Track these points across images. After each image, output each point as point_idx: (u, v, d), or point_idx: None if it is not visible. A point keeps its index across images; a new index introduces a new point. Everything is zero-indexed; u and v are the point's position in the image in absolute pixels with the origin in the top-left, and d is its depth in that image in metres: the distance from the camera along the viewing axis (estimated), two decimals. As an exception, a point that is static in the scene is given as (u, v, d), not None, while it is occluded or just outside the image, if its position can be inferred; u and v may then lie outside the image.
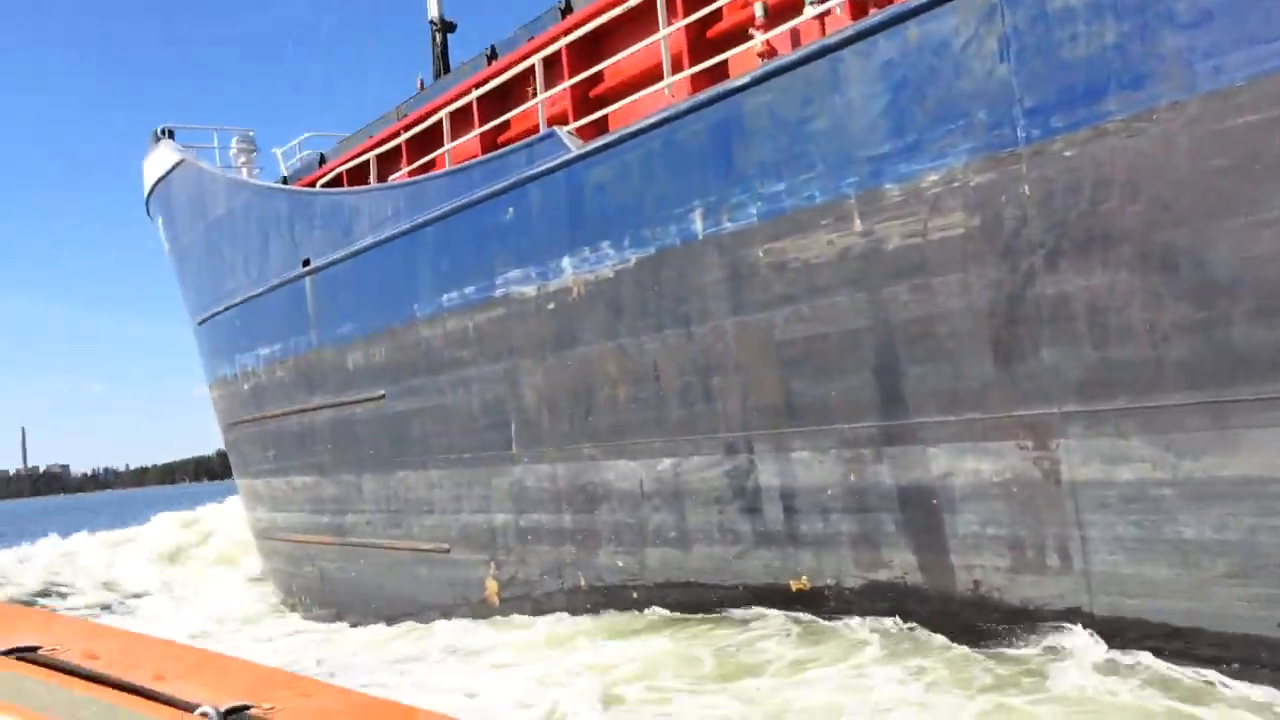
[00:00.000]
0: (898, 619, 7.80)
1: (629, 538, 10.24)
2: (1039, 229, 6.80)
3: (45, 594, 18.53)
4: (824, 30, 8.90)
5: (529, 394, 11.42)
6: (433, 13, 24.08)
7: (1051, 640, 6.83)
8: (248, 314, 17.66)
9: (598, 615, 10.51)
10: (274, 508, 17.62)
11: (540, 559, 11.42)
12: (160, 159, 20.69)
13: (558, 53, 11.68)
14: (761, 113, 8.56)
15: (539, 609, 11.47)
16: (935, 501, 7.56)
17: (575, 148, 10.54)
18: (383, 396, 14.00)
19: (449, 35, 24.52)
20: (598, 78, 11.58)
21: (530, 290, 11.22)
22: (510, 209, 11.42)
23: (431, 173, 13.30)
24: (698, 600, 9.55)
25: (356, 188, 14.89)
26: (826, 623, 8.16)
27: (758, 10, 9.17)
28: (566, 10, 12.15)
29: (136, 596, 18.87)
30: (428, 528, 13.30)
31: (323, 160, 17.66)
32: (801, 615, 8.41)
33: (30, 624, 2.72)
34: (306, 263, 15.57)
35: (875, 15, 7.93)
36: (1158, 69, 6.23)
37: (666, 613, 9.79)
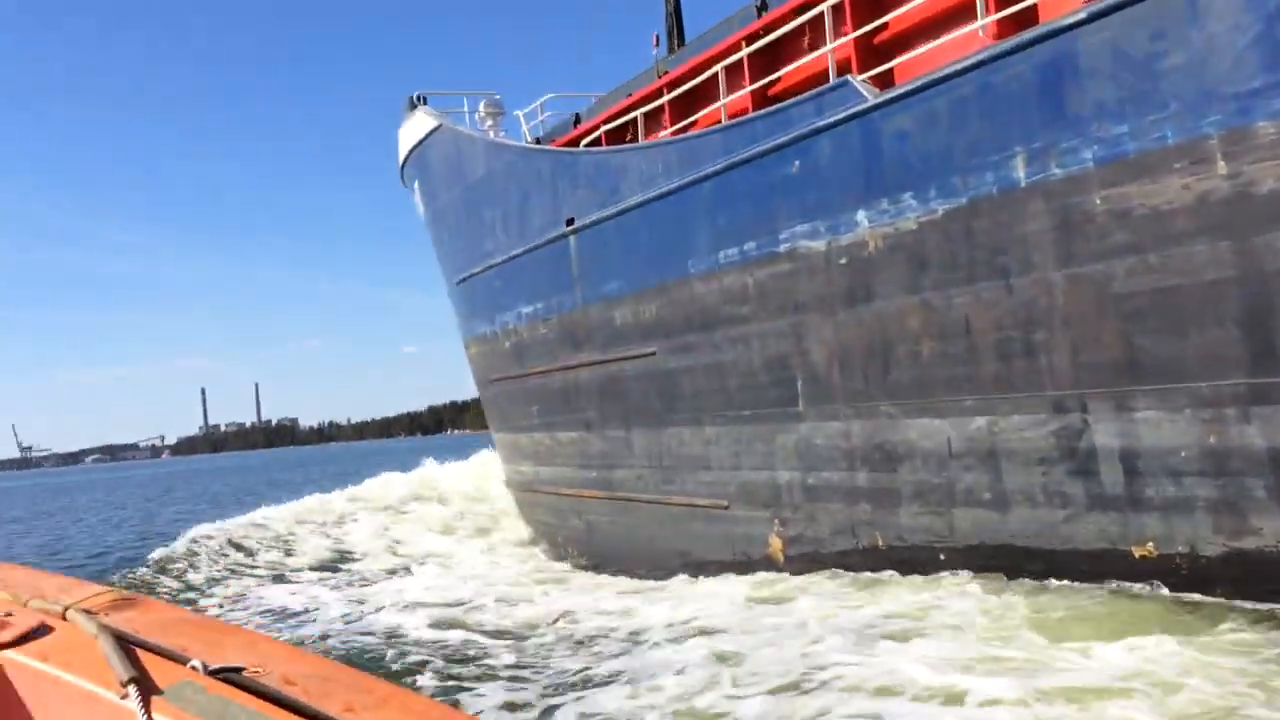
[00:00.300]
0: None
1: (935, 498, 9.92)
2: None
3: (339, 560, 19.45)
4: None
5: (817, 350, 11.19)
6: None
7: None
8: (508, 273, 18.07)
9: (905, 576, 10.26)
10: (538, 462, 18.07)
11: (831, 517, 11.23)
12: (416, 126, 21.36)
13: (841, 2, 11.27)
14: (1101, 50, 7.96)
15: (827, 567, 11.32)
16: (1315, 466, 6.94)
17: (872, 96, 10.15)
18: (654, 353, 14.05)
19: None
20: (880, 25, 11.12)
21: (819, 245, 10.95)
22: (796, 162, 11.15)
23: (705, 129, 13.13)
24: (1015, 564, 9.17)
25: (623, 146, 14.89)
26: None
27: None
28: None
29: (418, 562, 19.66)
30: (704, 484, 13.31)
31: (577, 120, 17.80)
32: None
33: (237, 643, 2.78)
34: (570, 222, 15.76)
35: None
36: None
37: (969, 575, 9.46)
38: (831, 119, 10.59)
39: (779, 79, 12.68)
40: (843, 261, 10.68)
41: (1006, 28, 9.35)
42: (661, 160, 13.51)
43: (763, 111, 11.77)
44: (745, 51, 12.86)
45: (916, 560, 10.18)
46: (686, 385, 13.44)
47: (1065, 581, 8.66)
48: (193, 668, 2.57)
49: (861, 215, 10.36)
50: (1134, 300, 7.91)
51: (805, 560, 11.70)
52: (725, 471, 12.89)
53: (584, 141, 16.42)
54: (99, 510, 46.13)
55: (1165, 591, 7.83)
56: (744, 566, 12.65)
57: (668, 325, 13.68)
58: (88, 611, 2.93)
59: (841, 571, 11.12)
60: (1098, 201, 8.10)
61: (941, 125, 9.42)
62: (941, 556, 9.93)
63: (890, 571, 10.52)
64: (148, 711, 2.42)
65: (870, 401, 10.55)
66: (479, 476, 29.28)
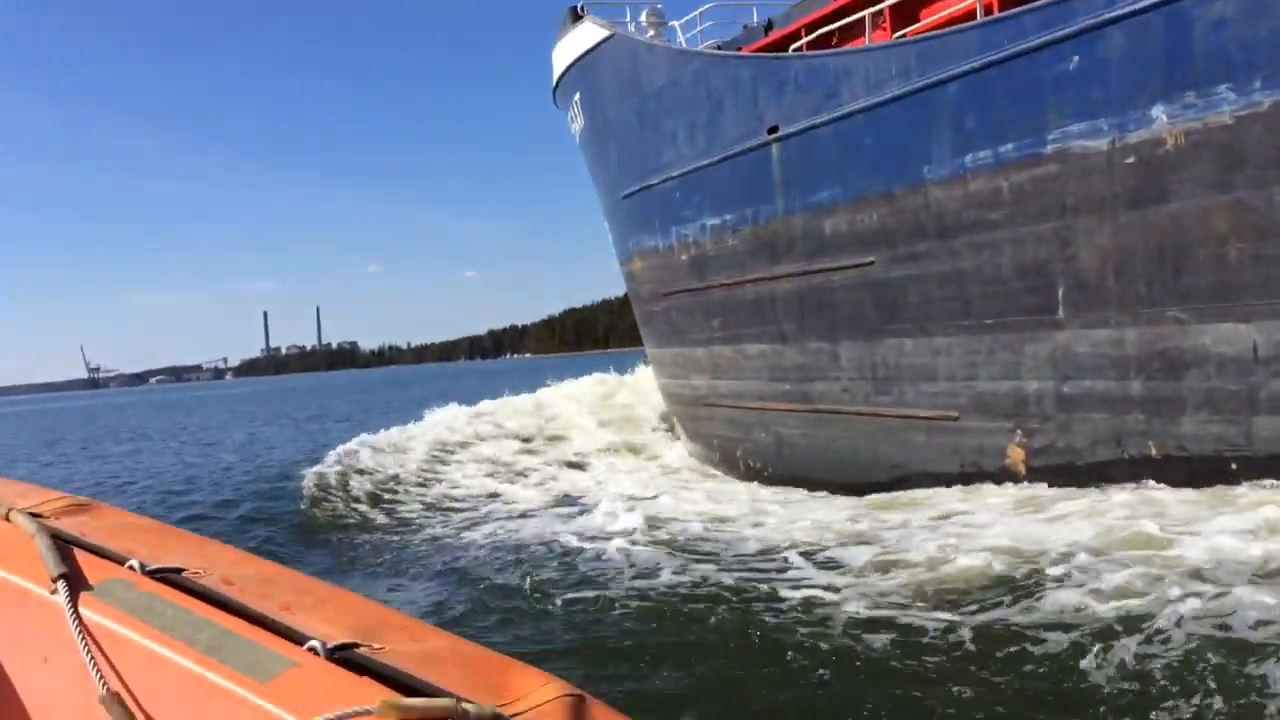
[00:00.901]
0: None
1: (1231, 405, 9.53)
2: None
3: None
4: None
5: (1087, 255, 10.77)
6: None
7: None
8: (691, 185, 17.75)
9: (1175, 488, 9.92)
10: (716, 375, 17.88)
11: (1093, 426, 10.89)
12: (581, 37, 20.99)
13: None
14: None
15: (1080, 478, 11.01)
16: None
17: (1190, -20, 9.62)
18: (871, 263, 13.70)
19: None
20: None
21: (1100, 144, 10.48)
22: (1075, 57, 10.64)
23: (953, 27, 12.62)
24: (1333, 473, 8.79)
25: (845, 48, 14.41)
26: None
27: None
28: None
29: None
30: (928, 395, 13.01)
31: (769, 28, 17.34)
32: None
33: (184, 547, 2.78)
34: (774, 130, 15.36)
35: None
36: None
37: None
38: (1129, 8, 10.07)
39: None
40: (1130, 161, 10.22)
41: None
42: (896, 62, 13.04)
43: (1034, 4, 11.25)
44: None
45: (1202, 470, 9.82)
46: (913, 295, 13.08)
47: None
48: (130, 567, 2.57)
49: (1160, 110, 9.88)
50: None
51: (1050, 471, 11.39)
52: (957, 383, 12.57)
53: (792, 48, 15.91)
54: (230, 430, 46.06)
55: None
56: (972, 478, 12.38)
57: (891, 234, 13.30)
58: (33, 514, 2.94)
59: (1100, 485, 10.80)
60: None
61: (1274, 12, 8.89)
62: (1234, 466, 9.56)
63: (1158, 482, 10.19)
64: (75, 607, 2.43)
65: (1155, 307, 10.13)
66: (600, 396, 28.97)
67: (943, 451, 12.90)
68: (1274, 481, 9.19)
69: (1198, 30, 9.53)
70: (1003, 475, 12.02)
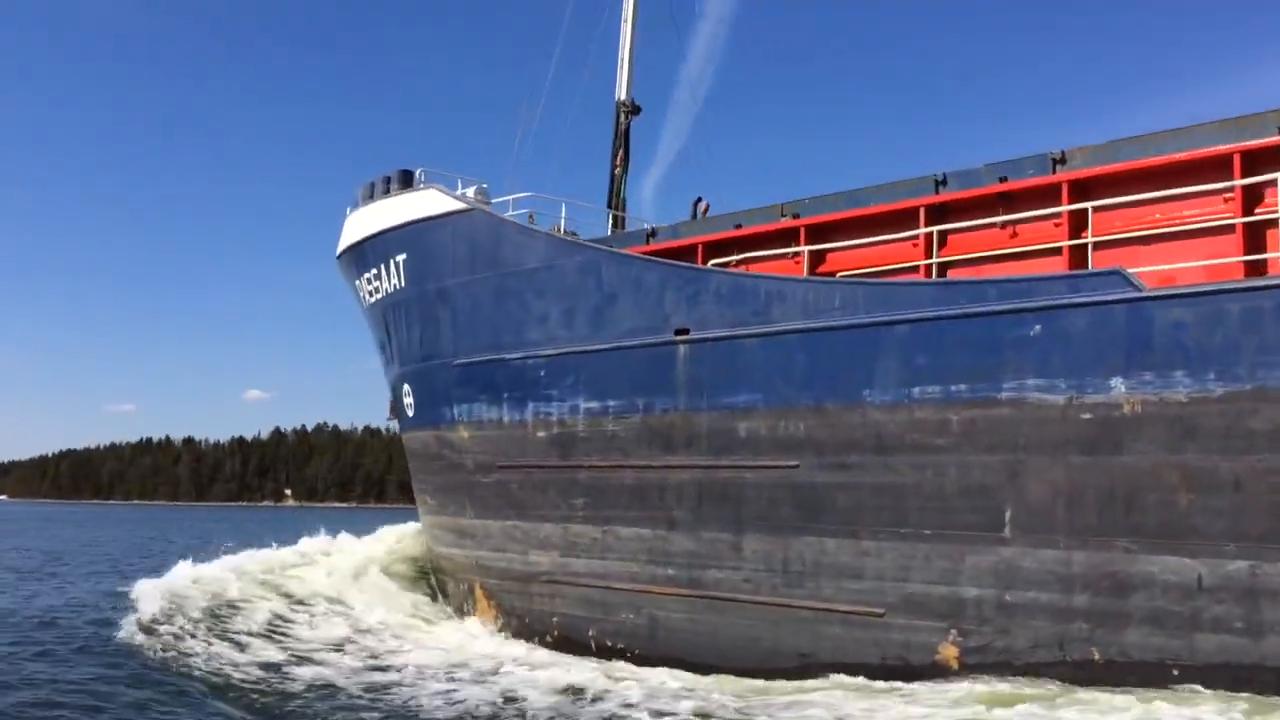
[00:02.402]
0: None
1: (1174, 623, 11.83)
2: None
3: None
4: None
5: (1037, 487, 12.92)
6: (621, 94, 25.67)
7: None
8: (565, 366, 18.40)
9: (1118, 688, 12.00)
10: (571, 553, 18.19)
11: (1034, 632, 12.82)
12: (419, 202, 21.34)
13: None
14: None
15: (1016, 674, 12.86)
16: None
17: (1143, 289, 12.30)
18: (796, 466, 15.15)
19: (632, 118, 26.16)
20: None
21: (1057, 399, 12.80)
22: (1038, 326, 13.02)
23: (909, 279, 14.76)
24: (1267, 683, 11.20)
25: (781, 275, 16.11)
26: None
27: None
28: (1059, 160, 14.07)
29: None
30: (851, 590, 14.44)
31: (652, 235, 18.80)
32: None
33: None
34: (683, 331, 16.63)
35: None
36: None
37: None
38: (1094, 299, 12.61)
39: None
40: (1086, 417, 12.58)
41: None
42: (840, 295, 14.92)
43: (1000, 278, 13.63)
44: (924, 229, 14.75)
45: (1142, 675, 11.97)
46: (842, 499, 14.62)
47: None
48: None
49: (1119, 382, 12.35)
50: None
51: (987, 669, 13.15)
52: (886, 582, 14.13)
53: (713, 263, 17.31)
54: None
55: None
56: (896, 671, 13.85)
57: (821, 443, 14.88)
58: None
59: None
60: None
61: (1232, 322, 11.67)
62: (1175, 672, 11.80)
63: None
64: None
65: (1104, 536, 12.37)
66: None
67: (863, 644, 14.30)
68: (1209, 694, 11.48)
69: (1157, 325, 12.19)
70: (932, 670, 13.60)
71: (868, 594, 14.35)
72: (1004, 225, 14.61)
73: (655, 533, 16.91)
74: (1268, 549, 11.33)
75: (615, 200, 25.12)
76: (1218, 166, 12.74)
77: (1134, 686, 11.94)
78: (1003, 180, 14.66)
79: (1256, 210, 12.46)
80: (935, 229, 14.93)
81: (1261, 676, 11.28)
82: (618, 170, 25.58)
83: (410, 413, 22.87)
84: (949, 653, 13.55)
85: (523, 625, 19.31)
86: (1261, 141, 12.40)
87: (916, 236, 15.13)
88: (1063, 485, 12.75)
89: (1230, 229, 12.53)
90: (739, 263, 17.17)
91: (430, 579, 24.07)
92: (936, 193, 15.21)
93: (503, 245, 19.83)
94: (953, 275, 14.90)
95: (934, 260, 14.85)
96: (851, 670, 14.27)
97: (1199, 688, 11.60)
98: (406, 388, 22.81)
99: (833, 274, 15.97)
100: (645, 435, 17.16)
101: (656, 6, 26.02)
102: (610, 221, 24.26)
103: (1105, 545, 12.40)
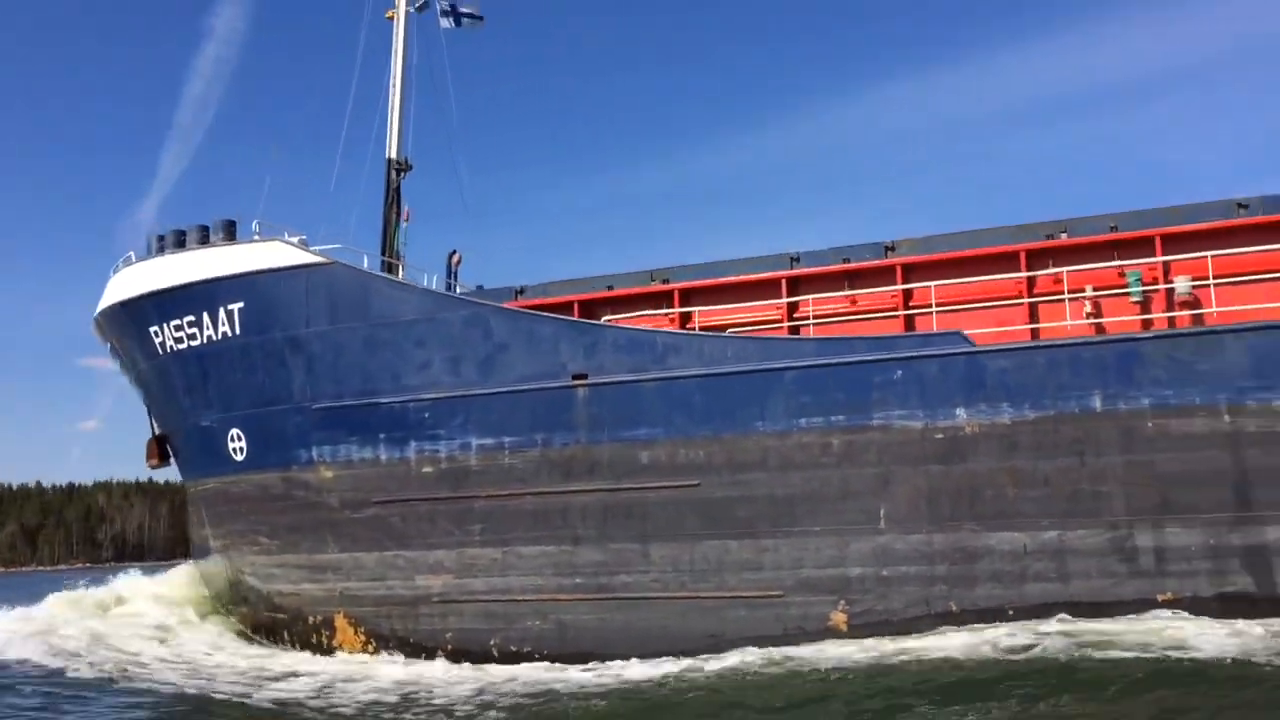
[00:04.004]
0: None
1: (1009, 578, 16.89)
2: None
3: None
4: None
5: (901, 488, 17.55)
6: (391, 152, 27.92)
7: None
8: (454, 408, 20.47)
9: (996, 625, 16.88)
10: (468, 574, 20.21)
11: (906, 595, 17.37)
12: (260, 253, 22.35)
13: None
14: (1155, 352, 16.44)
15: (893, 631, 17.34)
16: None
17: (975, 345, 17.39)
18: (697, 484, 18.71)
19: (404, 175, 28.52)
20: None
21: (917, 425, 17.53)
22: (899, 372, 17.70)
23: (795, 337, 18.89)
24: (1074, 613, 16.51)
25: (674, 331, 19.54)
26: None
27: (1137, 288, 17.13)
28: (890, 248, 18.99)
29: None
30: (751, 580, 18.22)
31: (521, 292, 21.49)
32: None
33: None
34: (581, 376, 19.58)
35: None
36: None
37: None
38: (942, 352, 17.49)
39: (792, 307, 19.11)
40: (939, 436, 17.40)
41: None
42: (733, 349, 18.75)
43: (869, 336, 18.15)
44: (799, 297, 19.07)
45: (990, 617, 16.91)
46: (739, 508, 18.37)
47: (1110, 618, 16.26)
48: None
49: (961, 410, 17.30)
50: (1168, 471, 16.19)
51: (870, 628, 17.51)
52: (784, 571, 18.07)
53: (605, 318, 20.28)
54: None
55: (1186, 614, 15.86)
56: (796, 638, 17.82)
57: (719, 465, 18.56)
58: None
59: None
60: (1150, 425, 16.35)
61: (1036, 369, 16.99)
62: (1011, 613, 16.85)
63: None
64: None
65: (956, 521, 17.21)
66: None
67: (766, 621, 18.11)
68: (1033, 621, 16.61)
69: (988, 371, 17.27)
70: (826, 634, 17.73)
71: (768, 581, 18.19)
72: (848, 295, 19.26)
73: (560, 549, 19.56)
74: (1069, 521, 16.68)
75: (389, 250, 26.98)
76: (1009, 259, 18.20)
77: (980, 624, 16.83)
78: (846, 261, 19.32)
79: (1035, 291, 18.06)
80: (800, 297, 19.25)
81: (1069, 610, 16.56)
82: (393, 223, 27.50)
83: (239, 456, 23.27)
84: (839, 619, 17.75)
85: (406, 645, 20.89)
86: (1040, 243, 18.03)
87: (780, 302, 19.35)
88: (923, 487, 17.45)
89: (1020, 303, 18.01)
90: (613, 318, 20.41)
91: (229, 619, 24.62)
92: (791, 268, 19.55)
93: (373, 298, 21.38)
94: (804, 334, 19.29)
95: (810, 321, 19.14)
96: (757, 642, 17.97)
97: (1028, 621, 16.70)
98: (235, 432, 23.20)
99: (707, 330, 19.75)
100: (545, 466, 19.77)
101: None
102: (385, 269, 26.10)
103: (956, 528, 17.23)
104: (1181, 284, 17.31)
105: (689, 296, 20.29)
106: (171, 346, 24.03)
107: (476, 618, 20.24)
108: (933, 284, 18.57)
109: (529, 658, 19.55)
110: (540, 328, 20.13)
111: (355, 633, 21.65)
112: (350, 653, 21.50)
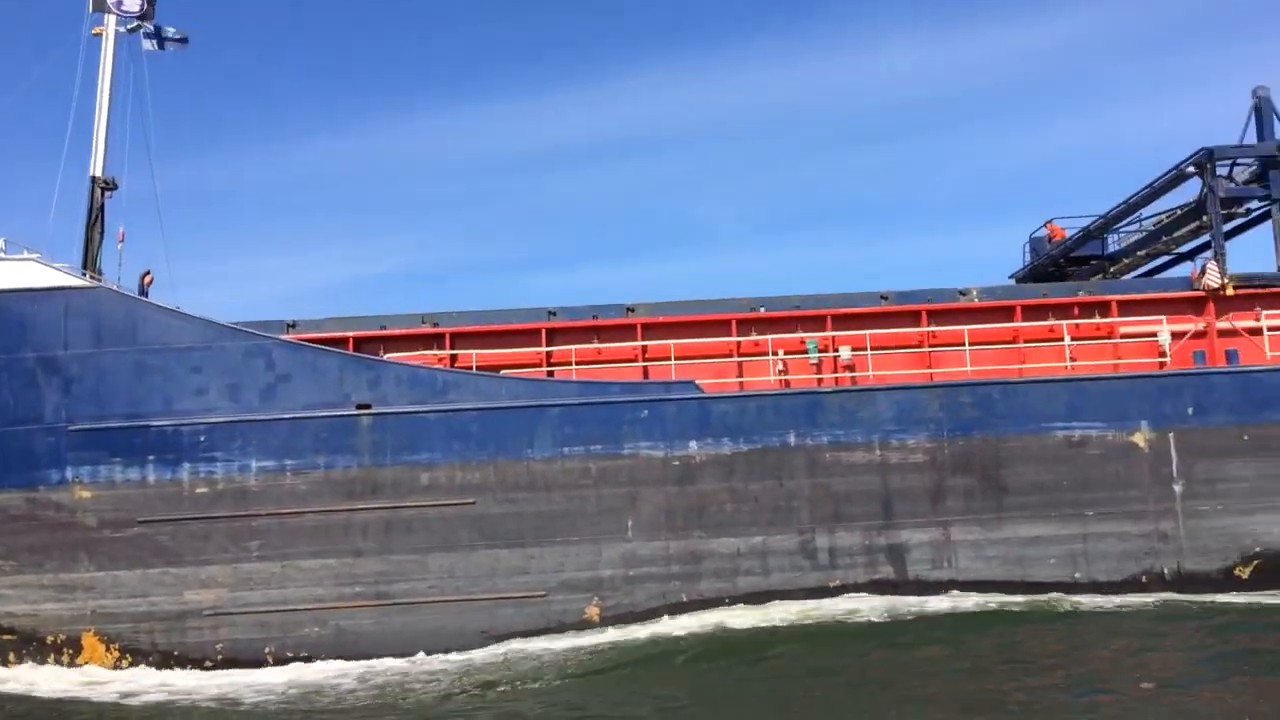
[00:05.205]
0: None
1: (726, 573, 21.62)
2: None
3: None
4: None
5: (648, 507, 21.76)
6: (95, 169, 28.17)
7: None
8: (232, 433, 21.70)
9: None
10: (243, 588, 21.41)
11: (647, 591, 21.55)
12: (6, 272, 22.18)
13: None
14: (830, 402, 22.03)
15: (638, 620, 21.47)
16: (902, 548, 21.89)
17: (704, 392, 22.07)
18: (473, 503, 21.69)
19: (109, 194, 28.87)
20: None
21: (659, 454, 21.84)
22: (645, 411, 21.93)
23: (563, 378, 22.35)
24: (771, 600, 21.59)
25: (455, 369, 22.22)
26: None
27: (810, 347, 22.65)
28: (630, 309, 23.24)
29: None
30: (520, 583, 21.50)
31: (293, 326, 23.14)
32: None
33: None
34: (365, 406, 21.82)
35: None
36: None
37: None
38: (679, 397, 21.95)
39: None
40: (676, 463, 21.82)
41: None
42: (506, 388, 21.97)
43: (623, 381, 22.15)
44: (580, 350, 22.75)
45: (709, 606, 21.52)
46: (508, 523, 21.61)
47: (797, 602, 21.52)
48: None
49: (694, 445, 21.86)
50: (838, 490, 21.80)
51: (618, 619, 21.48)
52: (548, 575, 21.54)
53: (387, 355, 22.39)
54: None
55: (850, 594, 21.50)
56: (555, 630, 21.38)
57: (494, 486, 21.69)
58: None
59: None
60: (827, 456, 21.89)
61: (749, 412, 21.96)
62: (727, 602, 21.59)
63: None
64: None
65: (687, 529, 21.69)
66: None
67: (532, 616, 21.45)
68: (744, 606, 21.49)
69: (714, 413, 21.97)
70: (582, 625, 21.44)
71: (534, 584, 21.54)
72: (597, 346, 23.20)
73: (341, 561, 21.53)
74: (770, 529, 21.76)
75: (90, 267, 26.97)
76: (724, 324, 23.12)
77: (703, 610, 21.42)
78: (595, 317, 23.28)
79: (742, 351, 23.14)
80: (564, 347, 22.85)
81: (767, 597, 21.59)
82: (95, 241, 27.39)
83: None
84: (593, 612, 21.52)
85: (169, 658, 21.56)
86: (745, 314, 23.15)
87: (539, 350, 22.87)
88: (663, 504, 21.75)
89: (731, 360, 22.97)
90: (390, 355, 22.78)
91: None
92: (548, 320, 23.15)
93: (142, 325, 21.91)
94: (559, 376, 22.97)
95: (571, 365, 22.76)
96: (523, 635, 21.27)
97: (738, 607, 21.52)
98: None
99: (467, 369, 22.75)
100: (327, 486, 21.64)
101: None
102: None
103: (688, 536, 21.71)
104: (845, 352, 23.17)
105: (457, 339, 23.13)
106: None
107: (251, 628, 21.52)
108: (672, 342, 23.07)
109: (305, 660, 21.25)
110: (325, 361, 21.98)
111: (107, 649, 21.86)
112: (101, 668, 21.69)
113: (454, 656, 20.60)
